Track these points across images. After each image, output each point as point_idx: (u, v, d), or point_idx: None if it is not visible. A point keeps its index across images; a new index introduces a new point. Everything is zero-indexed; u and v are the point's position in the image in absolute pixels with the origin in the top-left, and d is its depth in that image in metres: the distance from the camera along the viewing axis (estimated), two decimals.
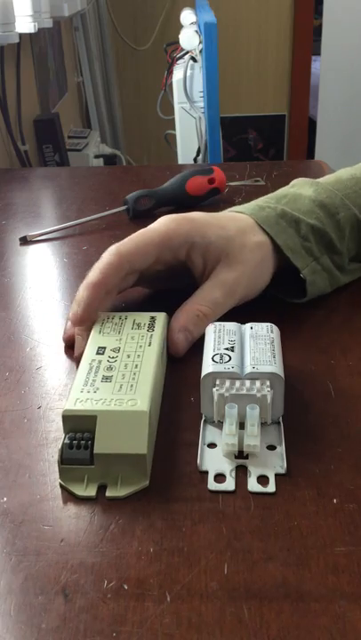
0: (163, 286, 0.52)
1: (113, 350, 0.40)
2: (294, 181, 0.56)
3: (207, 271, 0.48)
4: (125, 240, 0.46)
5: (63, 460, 0.34)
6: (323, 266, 0.51)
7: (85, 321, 0.44)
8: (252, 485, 0.34)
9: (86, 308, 0.43)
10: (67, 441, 0.35)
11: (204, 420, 0.38)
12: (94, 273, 0.44)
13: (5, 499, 0.34)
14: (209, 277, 0.47)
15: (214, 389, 0.37)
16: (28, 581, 0.29)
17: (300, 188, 0.54)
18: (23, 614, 0.28)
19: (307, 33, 2.81)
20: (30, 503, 0.33)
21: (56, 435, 0.38)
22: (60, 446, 0.35)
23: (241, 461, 0.35)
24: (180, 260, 0.48)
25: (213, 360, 0.38)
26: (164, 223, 0.47)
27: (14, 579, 0.29)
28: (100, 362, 0.39)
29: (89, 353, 0.40)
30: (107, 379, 0.37)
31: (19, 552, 0.31)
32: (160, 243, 0.46)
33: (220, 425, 0.38)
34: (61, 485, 0.34)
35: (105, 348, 0.40)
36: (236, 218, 0.50)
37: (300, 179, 0.56)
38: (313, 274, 0.50)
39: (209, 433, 0.38)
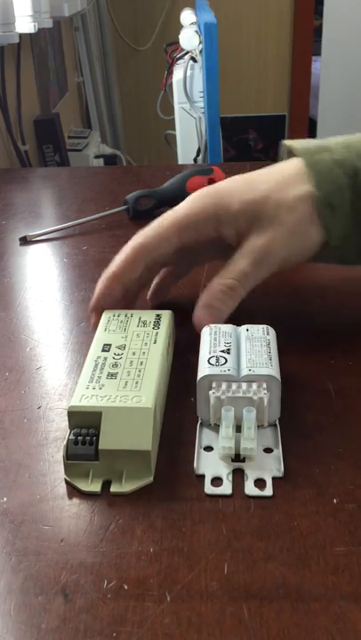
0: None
1: (118, 347, 0.40)
2: None
3: (238, 241, 0.44)
4: (147, 229, 0.44)
5: (68, 456, 0.34)
6: None
7: (95, 311, 0.45)
8: (250, 489, 0.34)
9: (96, 299, 0.45)
10: (72, 437, 0.35)
11: (201, 424, 0.38)
12: (110, 265, 0.45)
13: (5, 499, 0.34)
14: (239, 247, 0.44)
15: (210, 392, 0.36)
16: (28, 581, 0.29)
17: None
18: (23, 614, 0.28)
19: (307, 33, 2.82)
20: (30, 503, 0.33)
21: (56, 435, 0.38)
22: (65, 442, 0.35)
23: (238, 465, 0.35)
24: (212, 237, 0.44)
25: (209, 363, 0.37)
26: (186, 205, 0.45)
27: (14, 579, 0.29)
28: (105, 359, 0.39)
29: (94, 350, 0.40)
30: (112, 375, 0.37)
31: (19, 552, 0.31)
32: (181, 228, 0.44)
33: (216, 428, 0.37)
34: (66, 481, 0.34)
35: (110, 345, 0.40)
36: (282, 167, 0.45)
37: None
38: (348, 240, 0.44)
39: (205, 436, 0.37)
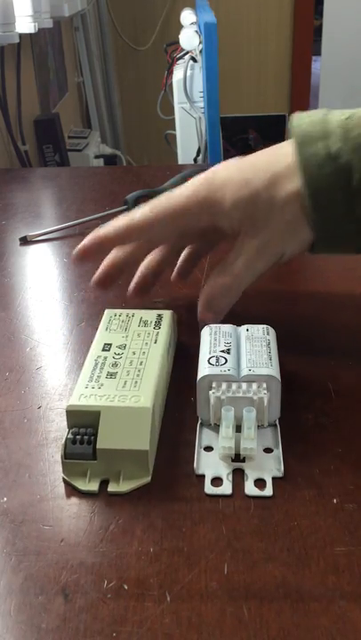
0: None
1: (119, 347, 0.40)
2: None
3: (236, 235, 0.44)
4: (151, 205, 0.45)
5: (66, 455, 0.34)
6: None
7: (78, 260, 0.47)
8: (250, 489, 0.34)
9: (81, 249, 0.47)
10: (70, 436, 0.35)
11: (201, 424, 0.38)
12: (100, 229, 0.46)
13: (5, 499, 0.34)
14: (234, 244, 0.44)
15: (210, 392, 0.36)
16: (28, 581, 0.29)
17: None
18: (23, 614, 0.28)
19: (307, 33, 2.82)
20: (30, 503, 0.33)
21: (56, 435, 0.38)
22: (63, 441, 0.35)
23: (238, 465, 0.35)
24: (207, 226, 0.45)
25: (209, 362, 0.37)
26: (184, 191, 0.45)
27: (14, 579, 0.29)
28: (105, 358, 0.39)
29: (95, 349, 0.40)
30: (111, 375, 0.37)
31: (19, 552, 0.31)
32: (177, 215, 0.44)
33: (216, 428, 0.37)
34: (64, 479, 0.34)
35: (111, 344, 0.40)
36: (277, 155, 0.44)
37: None
38: (342, 239, 0.43)
39: (205, 436, 0.38)
